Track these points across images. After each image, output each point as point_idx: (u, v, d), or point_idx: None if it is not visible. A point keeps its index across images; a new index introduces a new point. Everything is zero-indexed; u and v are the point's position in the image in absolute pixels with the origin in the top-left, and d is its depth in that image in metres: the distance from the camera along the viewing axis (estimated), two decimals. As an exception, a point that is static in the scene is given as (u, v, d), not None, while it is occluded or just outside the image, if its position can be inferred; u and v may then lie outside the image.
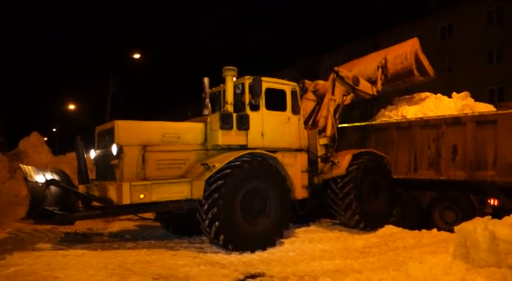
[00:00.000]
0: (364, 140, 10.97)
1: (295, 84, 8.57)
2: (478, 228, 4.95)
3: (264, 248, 6.82)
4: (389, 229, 9.11)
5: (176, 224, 8.19)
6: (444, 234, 8.29)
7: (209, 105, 7.93)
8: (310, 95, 10.26)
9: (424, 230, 8.90)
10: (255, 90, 7.43)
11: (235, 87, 7.75)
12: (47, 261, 5.36)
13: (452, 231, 5.84)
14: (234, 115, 7.36)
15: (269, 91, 7.93)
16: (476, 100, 10.85)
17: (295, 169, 8.19)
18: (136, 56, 25.18)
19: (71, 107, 40.27)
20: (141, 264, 5.50)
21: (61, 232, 7.95)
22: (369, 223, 8.81)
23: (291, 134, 8.24)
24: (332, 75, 9.66)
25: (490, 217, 5.44)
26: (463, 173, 8.97)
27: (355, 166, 8.84)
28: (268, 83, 7.93)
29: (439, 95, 11.26)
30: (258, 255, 6.46)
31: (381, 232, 8.85)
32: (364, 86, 10.04)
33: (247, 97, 7.64)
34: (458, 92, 11.15)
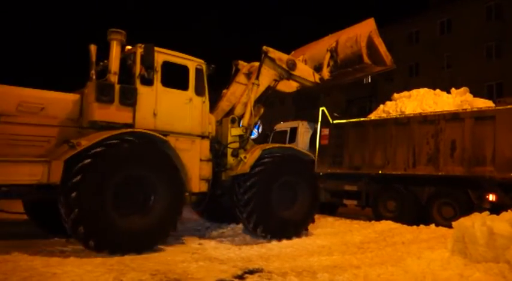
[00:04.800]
0: (363, 136, 10.96)
1: (202, 61, 7.34)
2: (476, 223, 4.97)
3: (139, 252, 5.75)
4: (387, 225, 9.15)
5: (46, 218, 7.01)
6: (442, 229, 8.32)
7: (94, 77, 6.44)
8: (241, 78, 8.74)
9: (422, 226, 8.93)
10: (146, 61, 6.36)
11: (126, 57, 6.71)
12: (45, 257, 5.35)
13: (450, 226, 5.86)
14: (117, 87, 6.23)
15: (168, 65, 6.84)
16: (475, 96, 10.89)
17: (192, 155, 6.95)
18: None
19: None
20: (139, 260, 5.49)
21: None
22: (277, 231, 7.38)
23: (192, 117, 7.07)
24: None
25: (488, 212, 5.47)
26: (462, 168, 8.98)
27: (261, 167, 7.40)
28: (167, 55, 6.86)
29: (437, 90, 11.28)
30: (257, 251, 6.45)
31: (379, 227, 8.88)
32: (303, 72, 8.67)
33: (137, 68, 6.51)
34: (457, 88, 11.17)
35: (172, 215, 6.29)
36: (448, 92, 11.10)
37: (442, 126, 9.37)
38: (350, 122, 11.57)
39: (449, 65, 27.23)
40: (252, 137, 9.42)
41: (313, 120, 12.92)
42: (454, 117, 9.28)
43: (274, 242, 7.03)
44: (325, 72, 8.86)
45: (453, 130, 9.18)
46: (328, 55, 8.88)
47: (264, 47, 8.26)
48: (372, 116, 11.87)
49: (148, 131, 6.29)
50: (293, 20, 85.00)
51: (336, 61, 8.87)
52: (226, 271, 5.09)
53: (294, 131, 13.26)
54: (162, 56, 6.78)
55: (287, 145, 8.63)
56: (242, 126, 7.92)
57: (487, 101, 10.58)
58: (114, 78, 6.33)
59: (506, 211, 5.35)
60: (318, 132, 12.11)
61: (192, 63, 7.19)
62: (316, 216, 9.97)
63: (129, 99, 6.30)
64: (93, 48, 6.51)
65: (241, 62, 9.00)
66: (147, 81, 6.56)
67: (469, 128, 8.91)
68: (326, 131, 11.89)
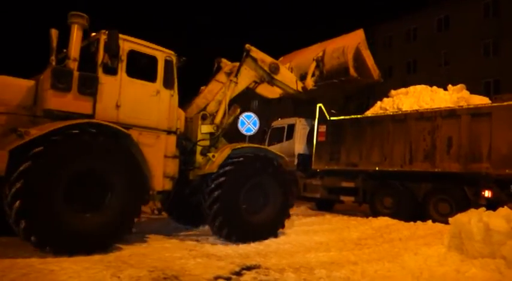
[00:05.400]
0: (360, 133, 11.00)
1: (172, 53, 6.92)
2: (472, 220, 5.00)
3: (89, 252, 5.26)
4: (384, 221, 9.20)
5: None
6: (439, 226, 8.37)
7: (53, 63, 5.99)
8: (222, 77, 8.30)
9: (419, 222, 8.99)
10: (110, 48, 5.90)
11: (90, 44, 6.26)
12: (42, 254, 5.34)
13: (447, 223, 5.90)
14: (76, 74, 5.73)
15: (134, 54, 6.41)
16: (472, 93, 10.93)
17: (156, 151, 6.50)
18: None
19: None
20: (137, 257, 5.50)
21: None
22: (243, 234, 6.87)
23: (160, 111, 6.62)
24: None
25: (484, 208, 5.51)
26: (458, 165, 9.04)
27: (229, 166, 6.92)
28: (133, 44, 6.43)
29: (434, 87, 11.32)
30: (254, 247, 6.48)
31: (377, 224, 8.94)
32: (285, 78, 8.27)
33: (100, 56, 6.05)
34: (454, 85, 11.21)
35: (130, 214, 5.87)
36: (445, 88, 11.14)
37: (439, 123, 9.42)
38: (347, 118, 11.60)
39: (447, 62, 27.29)
40: (250, 134, 9.36)
41: (310, 117, 12.95)
42: (450, 114, 9.32)
43: (272, 239, 7.05)
44: (309, 82, 8.54)
45: (450, 127, 9.24)
46: (313, 64, 8.62)
47: (247, 45, 7.86)
48: (369, 113, 11.90)
49: (108, 123, 5.80)
50: (291, 18, 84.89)
51: (321, 71, 8.62)
52: (224, 268, 5.11)
53: (291, 127, 13.27)
54: (128, 44, 6.35)
55: (258, 145, 8.15)
56: (214, 123, 7.51)
57: (484, 98, 10.63)
58: (73, 65, 5.86)
59: (502, 207, 5.39)
60: (315, 129, 12.13)
61: (161, 54, 6.74)
62: (314, 213, 10.05)
63: (88, 88, 5.82)
64: (54, 32, 6.05)
65: (224, 60, 8.59)
66: (111, 70, 6.11)
67: (466, 125, 8.96)
68: (323, 128, 11.93)
